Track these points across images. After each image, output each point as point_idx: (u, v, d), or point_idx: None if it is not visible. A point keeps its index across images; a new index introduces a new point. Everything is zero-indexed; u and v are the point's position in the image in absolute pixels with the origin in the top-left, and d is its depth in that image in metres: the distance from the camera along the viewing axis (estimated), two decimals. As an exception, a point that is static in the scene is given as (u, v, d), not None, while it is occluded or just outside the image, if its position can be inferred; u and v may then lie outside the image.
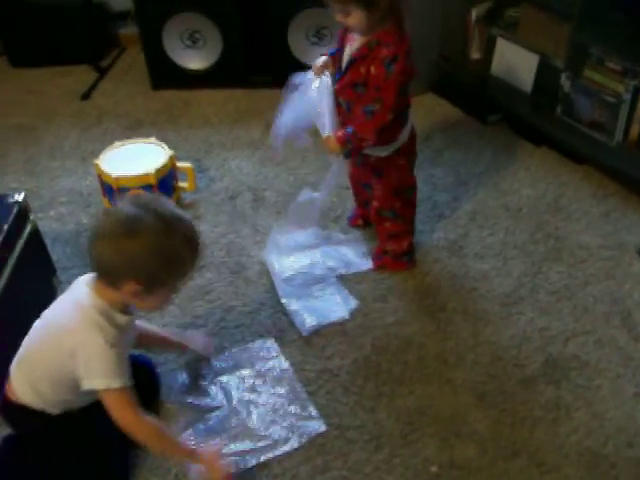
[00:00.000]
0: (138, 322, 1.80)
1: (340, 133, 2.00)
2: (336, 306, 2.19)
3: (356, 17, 1.87)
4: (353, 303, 2.20)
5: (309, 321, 2.13)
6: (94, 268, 1.58)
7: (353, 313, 2.16)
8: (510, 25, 3.02)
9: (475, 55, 3.16)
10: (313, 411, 1.88)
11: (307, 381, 1.97)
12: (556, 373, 1.97)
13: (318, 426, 1.84)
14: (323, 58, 2.09)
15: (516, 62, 2.93)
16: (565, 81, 2.69)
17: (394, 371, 1.99)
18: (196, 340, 2.01)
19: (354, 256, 2.37)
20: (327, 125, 2.04)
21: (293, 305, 2.19)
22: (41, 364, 1.65)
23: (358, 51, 1.96)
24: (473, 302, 2.20)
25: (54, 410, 1.68)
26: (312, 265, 2.33)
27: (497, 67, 3.03)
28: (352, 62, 1.98)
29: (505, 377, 1.96)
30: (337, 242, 2.42)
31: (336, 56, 2.07)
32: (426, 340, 2.08)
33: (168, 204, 1.59)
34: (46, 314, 1.73)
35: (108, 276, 1.56)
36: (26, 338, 1.72)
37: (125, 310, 1.64)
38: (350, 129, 1.99)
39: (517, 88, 2.95)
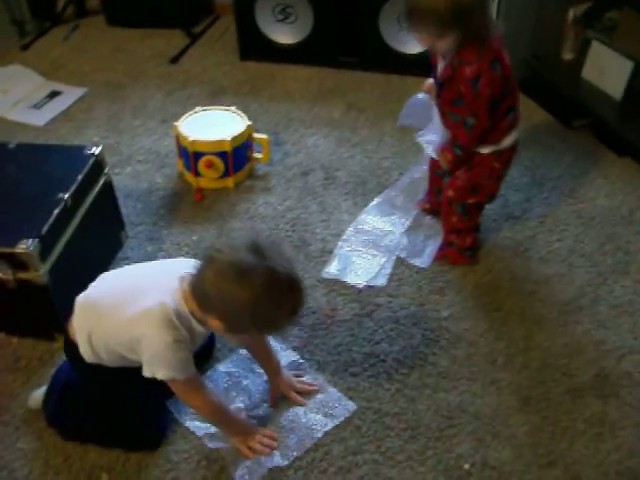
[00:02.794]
0: None
1: (447, 149, 2.07)
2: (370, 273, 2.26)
3: (449, 39, 1.85)
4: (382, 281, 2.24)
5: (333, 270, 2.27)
6: (192, 281, 1.56)
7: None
8: (607, 28, 2.93)
9: (568, 56, 3.07)
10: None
11: (353, 362, 1.99)
12: (606, 388, 1.92)
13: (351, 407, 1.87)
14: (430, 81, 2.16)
15: (609, 67, 2.84)
16: (657, 92, 2.61)
17: (440, 364, 1.99)
18: (281, 379, 1.91)
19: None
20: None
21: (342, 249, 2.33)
22: (106, 324, 1.66)
23: (443, 73, 1.98)
24: (531, 305, 2.16)
25: (93, 358, 1.71)
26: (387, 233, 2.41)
27: (589, 70, 2.95)
28: (442, 83, 2.00)
29: (552, 385, 1.93)
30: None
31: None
32: (478, 338, 2.06)
33: (287, 259, 1.52)
34: (133, 275, 1.75)
35: (200, 299, 1.55)
36: (102, 284, 1.74)
37: (204, 322, 1.61)
38: (453, 144, 2.04)
39: (607, 94, 2.86)
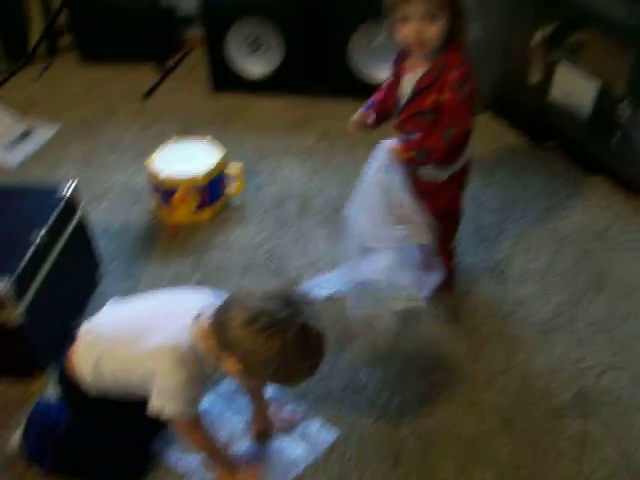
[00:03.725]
0: None
1: (405, 142, 1.94)
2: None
3: (439, 26, 1.81)
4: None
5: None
6: (216, 318, 1.54)
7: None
8: (573, 50, 2.96)
9: (535, 78, 3.11)
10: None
11: (334, 391, 1.98)
12: (586, 406, 1.93)
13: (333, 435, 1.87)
14: (358, 114, 2.07)
15: (576, 87, 2.88)
16: (624, 110, 2.64)
17: (421, 388, 1.99)
18: (280, 417, 1.92)
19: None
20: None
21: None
22: (117, 353, 1.63)
23: (422, 80, 1.91)
24: (509, 326, 2.17)
25: (97, 391, 1.68)
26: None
27: (556, 91, 2.98)
28: (417, 93, 1.93)
29: (533, 405, 1.93)
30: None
31: (390, 90, 2.04)
32: (457, 360, 2.07)
33: (316, 317, 1.51)
34: (147, 306, 1.72)
35: (222, 338, 1.52)
36: (113, 313, 1.73)
37: (219, 360, 1.59)
38: (416, 140, 1.93)
39: (575, 114, 2.89)
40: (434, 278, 2.15)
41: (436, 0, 1.80)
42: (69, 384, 1.71)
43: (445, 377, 2.02)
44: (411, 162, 1.96)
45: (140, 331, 1.61)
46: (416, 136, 1.94)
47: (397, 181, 1.95)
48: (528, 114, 3.07)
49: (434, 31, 1.83)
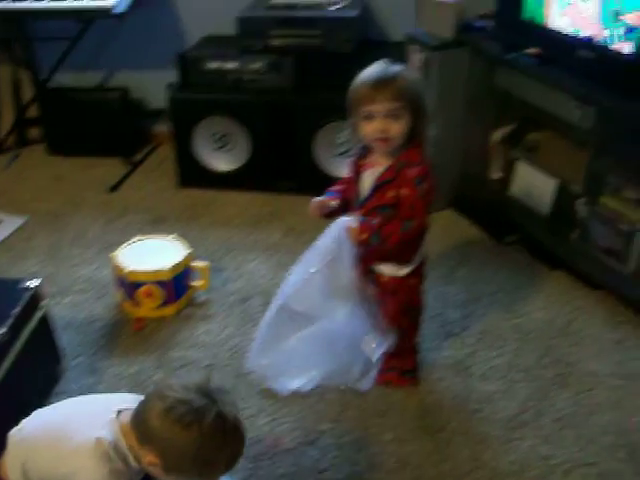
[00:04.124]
0: None
1: (363, 223, 1.97)
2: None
3: (402, 124, 1.89)
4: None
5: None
6: (136, 411, 1.57)
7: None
8: (531, 149, 3.08)
9: (495, 175, 3.21)
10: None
11: (298, 494, 1.94)
12: (555, 505, 1.91)
13: None
14: (320, 198, 2.11)
15: (534, 185, 2.98)
16: (581, 207, 2.72)
17: (388, 490, 1.96)
18: None
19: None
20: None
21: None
22: (40, 459, 1.63)
23: (383, 175, 1.98)
24: (475, 424, 2.16)
25: None
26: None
27: (516, 188, 3.08)
28: (377, 187, 1.99)
29: (501, 506, 1.91)
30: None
31: (350, 185, 2.10)
32: (423, 461, 2.04)
33: (233, 406, 1.57)
34: (68, 408, 1.73)
35: (141, 431, 1.54)
36: (36, 419, 1.71)
37: (140, 458, 1.59)
38: (375, 224, 1.96)
39: (535, 210, 2.98)
40: (384, 342, 2.17)
41: (399, 100, 1.89)
42: None
43: (411, 478, 1.98)
44: (364, 244, 1.98)
45: (62, 432, 1.62)
46: (376, 221, 1.98)
47: (347, 256, 2.00)
48: (488, 210, 3.14)
49: (397, 129, 1.91)
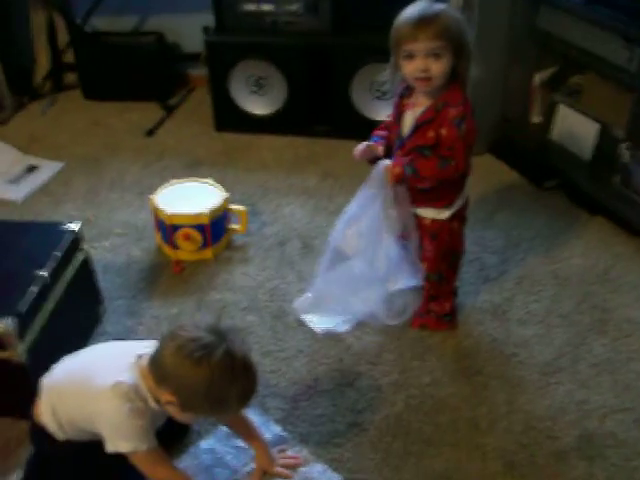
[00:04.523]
0: None
1: (399, 165, 1.97)
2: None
3: (443, 63, 1.87)
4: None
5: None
6: (152, 357, 1.62)
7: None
8: (573, 92, 3.01)
9: (536, 119, 3.15)
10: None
11: (336, 433, 1.97)
12: (591, 449, 1.92)
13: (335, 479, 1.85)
14: (365, 144, 2.09)
15: (576, 129, 2.92)
16: (624, 151, 2.66)
17: (424, 431, 1.98)
18: (265, 456, 1.87)
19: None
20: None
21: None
22: (66, 402, 1.70)
23: (424, 115, 1.96)
24: (511, 368, 2.17)
25: (63, 435, 1.72)
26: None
27: (557, 133, 3.02)
28: (418, 127, 1.98)
29: (537, 448, 1.92)
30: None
31: (391, 126, 2.09)
32: (460, 403, 2.06)
33: (243, 344, 1.61)
34: (91, 354, 1.79)
35: (157, 373, 1.60)
36: (63, 364, 1.77)
37: (158, 398, 1.64)
38: (409, 164, 1.95)
39: (576, 155, 2.93)
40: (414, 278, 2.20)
41: (441, 39, 1.85)
42: (40, 434, 1.75)
43: (448, 420, 2.01)
44: (399, 178, 1.97)
45: (85, 377, 1.68)
46: (411, 156, 1.97)
47: (388, 199, 2.02)
48: (528, 155, 3.10)
49: (438, 68, 1.88)
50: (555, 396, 2.08)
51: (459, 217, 2.13)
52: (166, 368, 1.56)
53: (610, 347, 2.23)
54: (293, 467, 1.88)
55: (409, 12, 1.90)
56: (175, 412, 1.63)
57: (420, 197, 2.07)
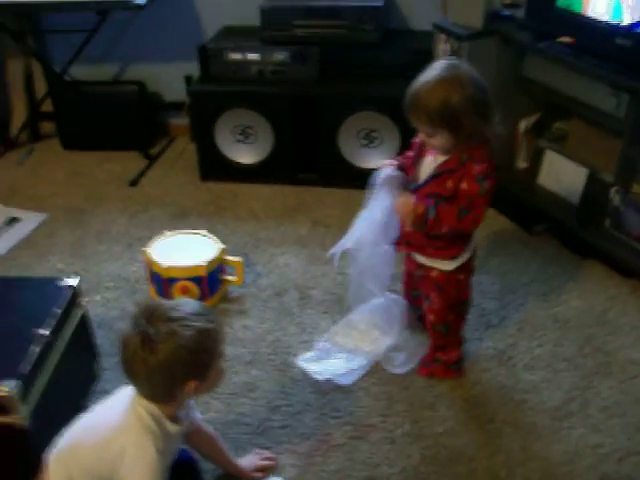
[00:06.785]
0: (199, 421, 1.83)
1: (422, 203, 1.93)
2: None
3: (441, 139, 1.88)
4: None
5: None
6: (143, 393, 1.61)
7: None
8: (558, 138, 3.07)
9: (522, 165, 3.20)
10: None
11: (354, 487, 1.93)
12: (613, 493, 1.91)
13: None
14: (387, 173, 2.05)
15: (564, 174, 2.97)
16: (615, 195, 2.71)
17: (443, 483, 1.95)
18: (248, 464, 1.95)
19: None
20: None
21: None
22: (84, 458, 1.64)
23: (446, 164, 1.94)
24: (523, 414, 2.15)
25: None
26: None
27: (544, 178, 3.07)
28: (437, 175, 1.96)
29: (560, 496, 1.91)
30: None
31: (409, 164, 2.07)
32: (476, 452, 2.03)
33: (171, 303, 1.63)
34: (92, 414, 1.74)
35: (160, 397, 1.60)
36: (69, 432, 1.71)
37: (175, 419, 1.64)
38: (433, 205, 1.93)
39: (564, 199, 2.97)
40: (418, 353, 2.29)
41: (430, 124, 1.87)
42: None
43: (466, 470, 1.98)
44: (419, 219, 1.94)
45: (95, 428, 1.66)
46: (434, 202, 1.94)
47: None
48: (515, 200, 3.13)
49: (437, 142, 1.91)
50: (569, 441, 2.06)
51: (466, 268, 2.13)
52: (167, 366, 1.53)
53: (617, 389, 2.24)
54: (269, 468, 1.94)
55: (416, 81, 1.90)
56: (203, 389, 1.63)
57: (428, 245, 2.06)
